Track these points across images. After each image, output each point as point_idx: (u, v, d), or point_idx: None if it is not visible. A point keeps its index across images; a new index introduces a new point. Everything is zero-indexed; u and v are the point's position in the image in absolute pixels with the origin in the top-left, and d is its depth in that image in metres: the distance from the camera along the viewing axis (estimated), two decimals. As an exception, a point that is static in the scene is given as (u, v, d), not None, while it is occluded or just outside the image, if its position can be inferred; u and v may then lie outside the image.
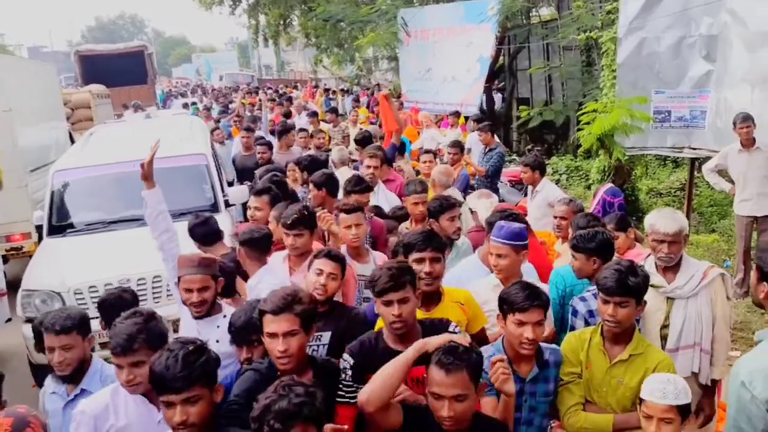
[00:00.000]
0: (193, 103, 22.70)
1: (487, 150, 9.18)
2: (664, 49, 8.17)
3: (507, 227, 3.78)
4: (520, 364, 3.09)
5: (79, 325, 3.38)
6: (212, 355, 2.52)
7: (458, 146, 8.75)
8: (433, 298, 3.49)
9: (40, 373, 5.53)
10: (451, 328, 3.06)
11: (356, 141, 9.09)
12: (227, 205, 7.43)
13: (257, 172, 7.63)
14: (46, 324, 3.38)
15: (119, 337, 2.83)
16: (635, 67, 8.33)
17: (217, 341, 3.53)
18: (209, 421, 2.45)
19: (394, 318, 2.94)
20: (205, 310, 3.69)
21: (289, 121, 13.19)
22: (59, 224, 7.11)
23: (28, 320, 5.69)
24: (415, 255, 3.47)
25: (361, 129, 11.76)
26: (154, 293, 6.06)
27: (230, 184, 9.15)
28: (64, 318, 3.35)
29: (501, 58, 16.86)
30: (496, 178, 8.99)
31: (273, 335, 2.79)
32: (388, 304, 2.97)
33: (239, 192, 7.59)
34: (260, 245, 4.36)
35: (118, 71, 25.57)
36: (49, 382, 3.56)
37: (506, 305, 3.06)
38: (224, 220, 6.56)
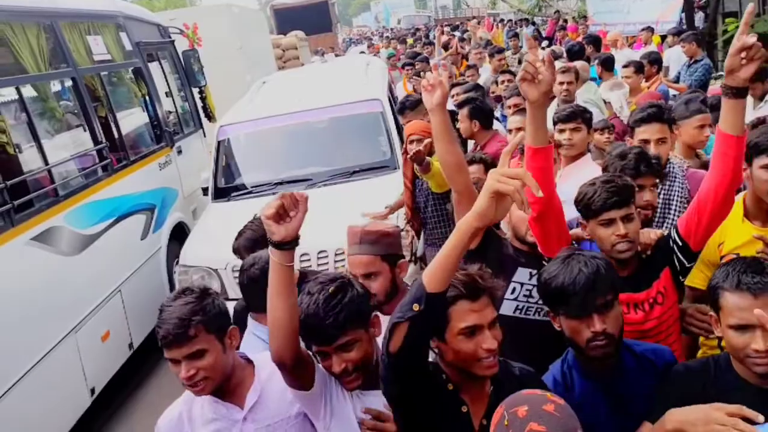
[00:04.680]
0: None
1: (691, 62, 8.04)
2: None
3: None
4: None
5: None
6: (358, 289, 2.18)
7: (655, 60, 7.71)
8: None
9: None
10: None
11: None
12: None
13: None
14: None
15: (168, 323, 2.19)
16: None
17: None
18: (373, 359, 2.17)
19: (617, 239, 2.53)
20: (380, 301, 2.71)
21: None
22: (225, 186, 6.52)
23: None
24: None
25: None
26: (336, 269, 5.15)
27: None
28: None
29: (705, -34, 14.86)
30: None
31: None
32: (609, 223, 2.57)
33: None
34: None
35: (307, 21, 28.76)
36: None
37: None
38: (399, 179, 5.72)
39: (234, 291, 4.99)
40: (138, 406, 5.73)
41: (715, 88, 9.26)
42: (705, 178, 2.46)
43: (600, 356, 2.15)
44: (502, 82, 7.53)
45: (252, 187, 6.36)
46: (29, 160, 5.11)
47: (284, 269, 2.00)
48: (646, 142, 3.51)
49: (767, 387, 2.00)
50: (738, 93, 2.23)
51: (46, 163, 5.17)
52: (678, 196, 3.41)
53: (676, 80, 8.34)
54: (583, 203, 2.61)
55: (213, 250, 5.34)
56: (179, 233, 7.04)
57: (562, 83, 5.76)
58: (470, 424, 2.06)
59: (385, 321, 2.20)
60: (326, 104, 6.59)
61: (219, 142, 6.71)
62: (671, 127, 3.65)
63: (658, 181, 3.19)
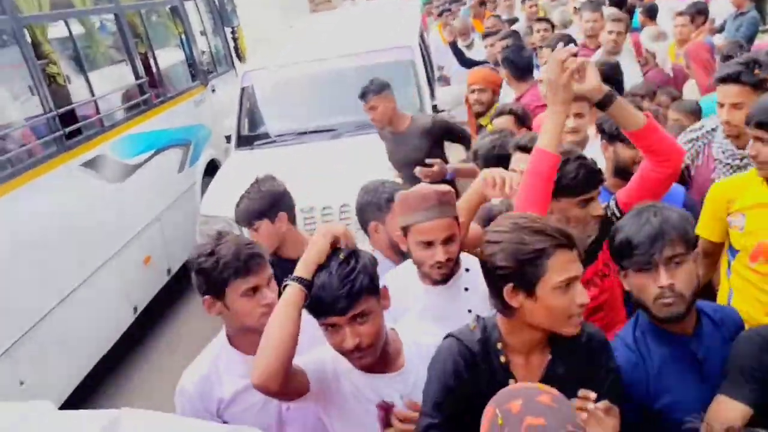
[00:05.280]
0: None
1: (737, 14, 7.61)
2: None
3: None
4: None
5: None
6: (367, 257, 1.99)
7: (701, 11, 7.24)
8: None
9: None
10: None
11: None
12: (435, 111, 6.06)
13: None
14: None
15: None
16: None
17: (469, 311, 2.38)
18: (383, 336, 2.01)
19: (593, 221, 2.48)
20: (453, 269, 2.50)
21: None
22: (248, 135, 6.32)
23: None
24: None
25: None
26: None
27: None
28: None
29: None
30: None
31: None
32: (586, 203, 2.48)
33: (450, 95, 6.29)
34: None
35: None
36: None
37: None
38: None
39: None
40: (139, 366, 5.61)
41: (763, 42, 9.04)
42: (645, 161, 2.44)
43: (667, 316, 1.95)
44: (538, 31, 6.82)
45: (276, 136, 6.21)
46: (77, 91, 5.42)
47: (303, 294, 1.91)
48: (720, 105, 3.12)
49: None
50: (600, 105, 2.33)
51: (93, 95, 5.49)
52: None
53: (721, 29, 7.82)
54: (558, 181, 2.39)
55: (236, 200, 5.12)
56: (213, 170, 7.33)
57: (611, 32, 5.37)
58: None
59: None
60: (354, 51, 6.35)
61: (243, 89, 6.49)
62: (758, 88, 3.03)
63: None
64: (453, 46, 7.18)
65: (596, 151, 3.08)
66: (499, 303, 1.83)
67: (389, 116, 4.55)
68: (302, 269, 1.92)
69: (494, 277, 1.81)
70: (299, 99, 6.45)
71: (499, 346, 1.88)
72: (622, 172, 2.94)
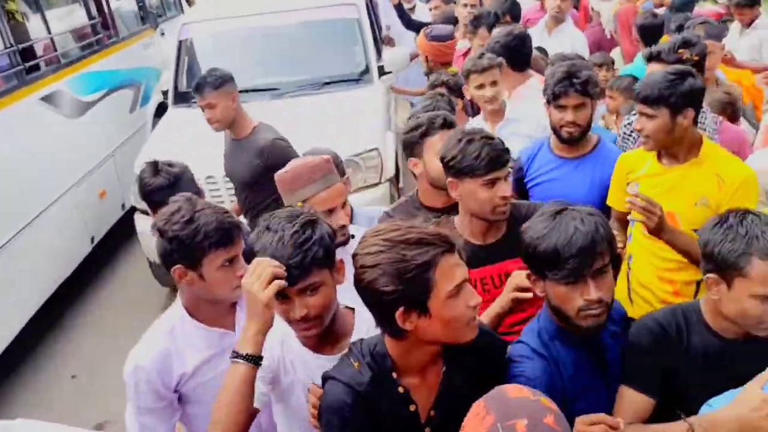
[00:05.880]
0: None
1: None
2: None
3: None
4: None
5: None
6: (325, 228, 1.91)
7: None
8: (682, 148, 2.76)
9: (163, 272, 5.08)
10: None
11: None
12: (381, 73, 5.91)
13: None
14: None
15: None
16: None
17: None
18: (333, 309, 1.95)
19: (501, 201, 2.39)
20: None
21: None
22: (186, 91, 5.86)
23: (143, 211, 4.93)
24: None
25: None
26: None
27: None
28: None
29: None
30: (684, 9, 7.83)
31: None
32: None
33: (399, 56, 6.04)
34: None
35: None
36: None
37: None
38: (374, 95, 5.64)
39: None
40: (81, 321, 5.57)
41: (704, 8, 9.46)
42: None
43: (593, 326, 1.89)
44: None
45: None
46: (35, 28, 5.61)
47: (254, 371, 1.84)
48: None
49: (740, 339, 1.95)
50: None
51: (49, 32, 5.68)
52: None
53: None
54: (460, 161, 2.37)
55: (173, 158, 4.66)
56: (163, 112, 7.55)
57: None
58: (417, 421, 1.79)
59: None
60: (298, 6, 6.07)
61: (180, 42, 6.11)
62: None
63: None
64: (398, 8, 6.95)
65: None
66: (390, 328, 1.71)
67: (230, 117, 3.86)
68: (249, 344, 1.82)
69: (381, 304, 1.66)
70: (240, 55, 6.11)
71: (395, 375, 1.77)
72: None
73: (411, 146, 2.79)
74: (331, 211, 2.41)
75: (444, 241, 1.64)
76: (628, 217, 2.85)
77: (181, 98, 5.92)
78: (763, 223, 1.87)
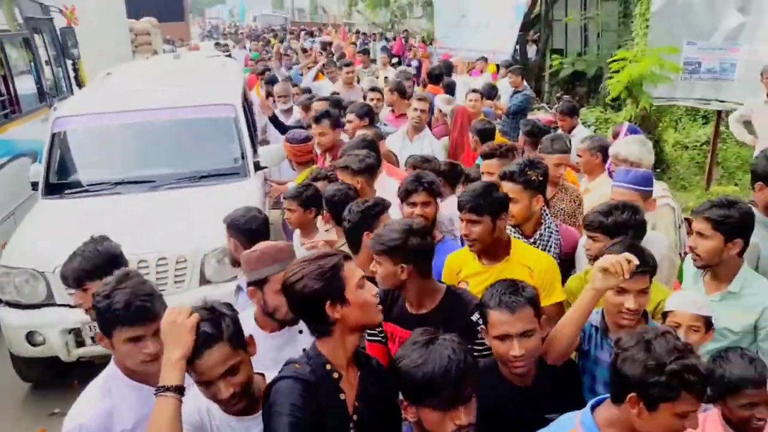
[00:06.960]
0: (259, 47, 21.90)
1: (513, 92, 9.41)
2: (698, 0, 8.24)
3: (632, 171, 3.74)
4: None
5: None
6: (228, 311, 2.18)
7: (487, 89, 8.78)
8: (498, 249, 3.22)
9: (26, 367, 5.18)
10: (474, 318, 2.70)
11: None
12: (257, 168, 6.16)
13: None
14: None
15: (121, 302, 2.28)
16: (668, 17, 8.44)
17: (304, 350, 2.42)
18: (253, 377, 2.22)
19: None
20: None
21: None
22: (58, 182, 5.89)
23: (7, 303, 4.94)
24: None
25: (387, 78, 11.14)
26: (176, 278, 4.92)
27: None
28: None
29: (537, 7, 16.77)
30: (518, 117, 8.88)
31: None
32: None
33: (274, 152, 6.24)
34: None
35: (157, 6, 25.44)
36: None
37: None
38: (251, 189, 5.82)
39: (61, 296, 4.70)
40: None
41: (537, 115, 10.81)
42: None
43: None
44: (371, 99, 7.52)
45: (89, 185, 5.85)
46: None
47: (180, 402, 2.01)
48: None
49: (526, 386, 2.50)
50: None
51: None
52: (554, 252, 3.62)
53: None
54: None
55: (41, 251, 4.88)
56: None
57: (416, 110, 6.23)
58: (346, 410, 2.17)
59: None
60: (176, 104, 6.22)
61: (54, 134, 6.05)
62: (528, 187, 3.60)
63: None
64: (272, 119, 7.48)
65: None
66: (319, 324, 2.17)
67: None
68: (175, 374, 2.00)
69: (312, 303, 2.12)
70: (115, 149, 6.25)
71: (328, 367, 2.16)
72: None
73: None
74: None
75: (346, 257, 2.21)
76: None
77: (53, 189, 5.84)
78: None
